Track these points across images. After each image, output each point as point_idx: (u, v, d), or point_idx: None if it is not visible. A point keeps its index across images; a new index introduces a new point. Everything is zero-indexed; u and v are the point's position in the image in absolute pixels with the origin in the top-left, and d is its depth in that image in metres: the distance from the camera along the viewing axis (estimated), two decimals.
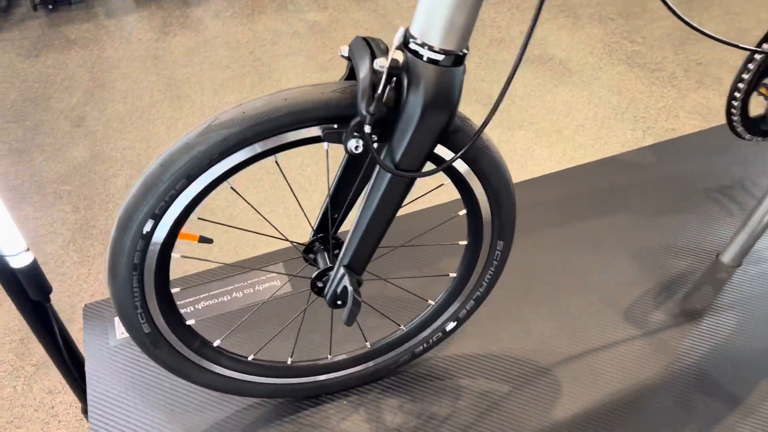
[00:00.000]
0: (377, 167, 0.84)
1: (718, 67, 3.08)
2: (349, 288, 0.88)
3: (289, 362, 1.08)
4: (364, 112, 0.74)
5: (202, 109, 2.87)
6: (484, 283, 1.05)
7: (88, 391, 1.17)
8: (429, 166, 0.84)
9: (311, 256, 1.01)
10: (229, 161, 0.79)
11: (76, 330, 1.88)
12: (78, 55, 3.24)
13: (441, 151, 0.86)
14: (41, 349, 1.67)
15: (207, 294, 1.32)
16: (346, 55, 0.81)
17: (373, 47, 0.77)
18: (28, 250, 1.21)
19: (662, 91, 2.94)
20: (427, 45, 0.73)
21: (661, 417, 1.12)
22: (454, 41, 0.73)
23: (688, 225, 1.49)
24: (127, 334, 0.93)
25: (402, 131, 0.78)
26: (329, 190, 0.94)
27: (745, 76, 1.17)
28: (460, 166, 0.89)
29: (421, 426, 1.10)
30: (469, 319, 1.13)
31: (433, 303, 1.10)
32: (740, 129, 1.25)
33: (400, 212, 0.89)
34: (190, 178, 0.78)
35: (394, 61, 0.72)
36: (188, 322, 0.96)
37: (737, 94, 1.18)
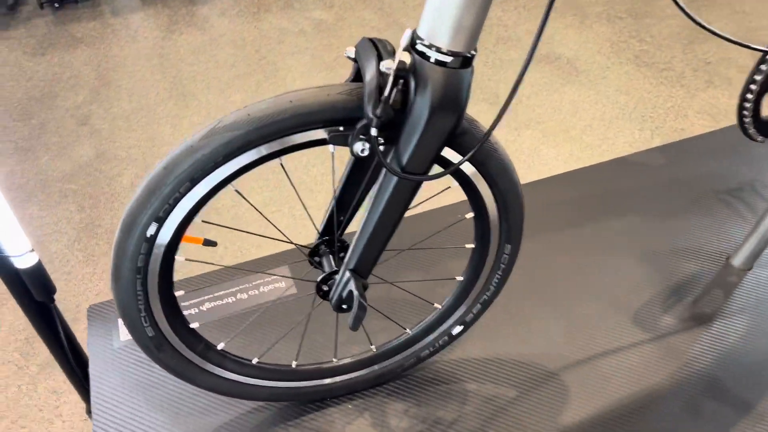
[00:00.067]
0: (383, 170, 0.83)
1: (727, 67, 3.05)
2: (355, 292, 0.87)
3: (293, 365, 1.07)
4: (370, 115, 0.72)
5: (207, 107, 2.86)
6: (491, 286, 1.04)
7: (92, 393, 1.16)
8: (436, 169, 0.83)
9: (316, 259, 1.00)
10: (234, 164, 0.78)
11: (80, 329, 1.88)
12: (84, 53, 3.24)
13: (448, 153, 0.85)
14: (46, 349, 1.67)
15: (211, 296, 1.31)
16: (352, 56, 0.80)
17: (379, 49, 0.75)
18: (32, 250, 1.20)
19: (671, 91, 2.92)
20: (434, 46, 0.72)
21: (670, 423, 1.10)
22: (462, 42, 0.72)
23: (698, 227, 1.47)
24: (131, 336, 0.92)
25: (409, 134, 0.77)
26: (335, 192, 0.93)
27: (758, 78, 1.15)
28: (468, 168, 0.88)
29: (427, 430, 1.09)
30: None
31: (439, 306, 1.09)
32: (752, 131, 1.24)
33: (406, 214, 0.88)
34: (194, 181, 0.77)
35: (401, 63, 0.71)
36: (192, 325, 0.95)
37: (749, 96, 1.16)
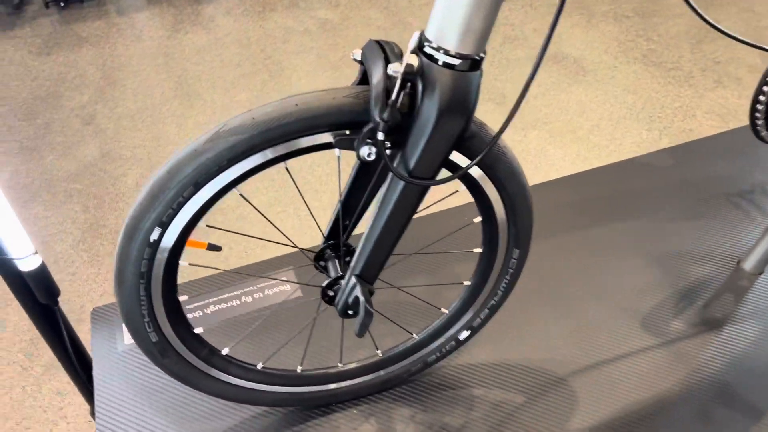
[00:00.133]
0: (390, 174, 0.81)
1: (736, 66, 3.03)
2: (361, 298, 0.86)
3: (298, 371, 1.06)
4: (377, 119, 0.71)
5: (213, 107, 2.86)
6: (499, 291, 1.02)
7: (96, 397, 1.15)
8: (444, 172, 0.82)
9: (322, 263, 0.98)
10: (238, 168, 0.77)
11: (85, 330, 1.87)
12: (89, 52, 3.23)
13: (456, 157, 0.83)
14: (50, 350, 1.67)
15: (216, 299, 1.30)
16: (359, 58, 0.78)
17: (386, 51, 0.74)
18: (36, 253, 1.19)
19: (679, 91, 2.90)
20: (442, 49, 0.70)
21: (680, 429, 1.09)
22: (471, 45, 0.71)
23: (708, 230, 1.45)
24: (134, 342, 0.91)
25: (416, 138, 0.75)
26: (340, 196, 0.92)
27: None
28: (475, 172, 0.87)
29: None
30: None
31: (446, 311, 1.07)
32: (764, 133, 1.22)
33: (413, 217, 0.87)
34: (198, 186, 0.76)
35: (408, 66, 0.70)
36: (196, 330, 0.94)
37: (762, 98, 1.15)
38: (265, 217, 0.97)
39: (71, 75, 3.07)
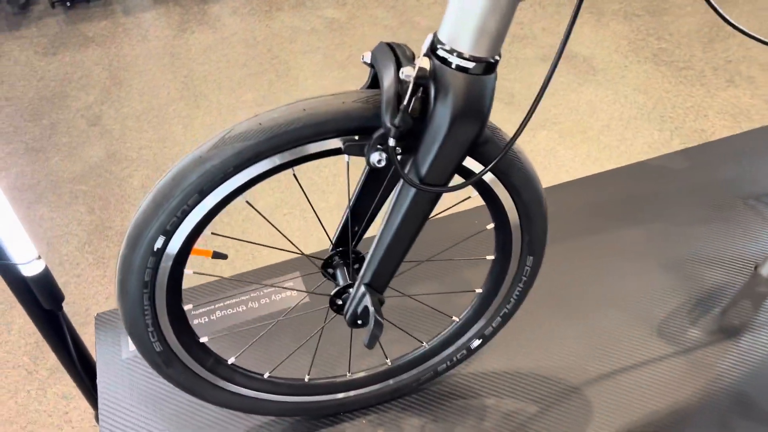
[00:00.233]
0: (401, 180, 0.79)
1: (748, 66, 2.98)
2: (371, 309, 0.83)
3: (306, 380, 1.03)
4: (388, 125, 0.68)
5: (219, 107, 2.84)
6: (512, 299, 1.00)
7: (100, 404, 1.13)
8: (456, 178, 0.79)
9: (330, 270, 0.96)
10: (245, 175, 0.74)
11: (90, 333, 1.85)
12: (95, 52, 3.22)
13: (469, 163, 0.81)
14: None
15: (222, 304, 1.28)
16: (369, 61, 0.76)
17: (398, 54, 0.71)
18: (39, 257, 1.17)
19: (690, 90, 2.85)
20: (456, 51, 0.68)
21: None
22: (486, 47, 0.68)
23: (724, 235, 1.42)
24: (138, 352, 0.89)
25: (428, 144, 0.73)
26: (349, 202, 0.89)
27: None
28: (489, 178, 0.84)
29: None
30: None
31: (457, 319, 1.05)
32: None
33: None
34: (203, 193, 0.74)
35: (421, 70, 0.67)
36: (201, 340, 0.92)
37: None
38: (272, 225, 0.94)
39: (77, 75, 3.06)
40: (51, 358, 1.86)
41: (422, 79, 0.68)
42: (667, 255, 1.38)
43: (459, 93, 0.69)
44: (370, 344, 0.84)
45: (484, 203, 0.90)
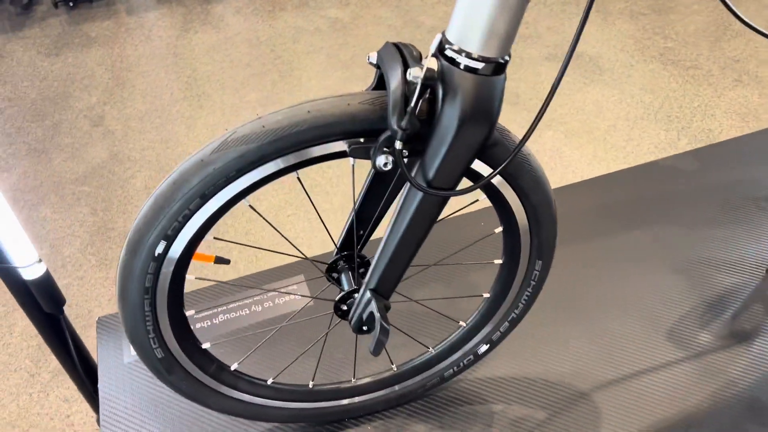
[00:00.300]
0: (407, 183, 0.77)
1: (756, 65, 2.95)
2: (377, 315, 0.81)
3: (310, 386, 1.02)
4: (395, 127, 0.67)
5: (222, 108, 2.82)
6: (520, 304, 0.98)
7: (101, 409, 1.12)
8: (464, 182, 0.77)
9: (335, 275, 0.94)
10: (247, 179, 0.72)
11: (92, 336, 1.84)
12: (98, 53, 3.21)
13: (477, 166, 0.79)
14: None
15: (225, 308, 1.26)
16: (375, 62, 0.74)
17: (405, 54, 0.70)
18: (40, 261, 1.16)
19: (697, 90, 2.83)
20: (464, 52, 0.66)
21: None
22: (495, 47, 0.66)
23: (735, 237, 1.40)
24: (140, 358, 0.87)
25: (436, 146, 0.71)
26: (354, 205, 0.87)
27: None
28: (497, 181, 0.82)
29: None
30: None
31: (464, 324, 1.03)
32: None
33: None
34: (205, 198, 0.72)
35: (429, 71, 0.65)
36: (204, 346, 0.90)
37: None
38: (276, 230, 0.93)
39: (80, 75, 3.05)
40: (53, 361, 1.85)
41: (430, 80, 0.66)
42: (676, 258, 1.35)
43: (468, 94, 0.67)
44: (376, 351, 0.82)
45: (491, 205, 0.88)
